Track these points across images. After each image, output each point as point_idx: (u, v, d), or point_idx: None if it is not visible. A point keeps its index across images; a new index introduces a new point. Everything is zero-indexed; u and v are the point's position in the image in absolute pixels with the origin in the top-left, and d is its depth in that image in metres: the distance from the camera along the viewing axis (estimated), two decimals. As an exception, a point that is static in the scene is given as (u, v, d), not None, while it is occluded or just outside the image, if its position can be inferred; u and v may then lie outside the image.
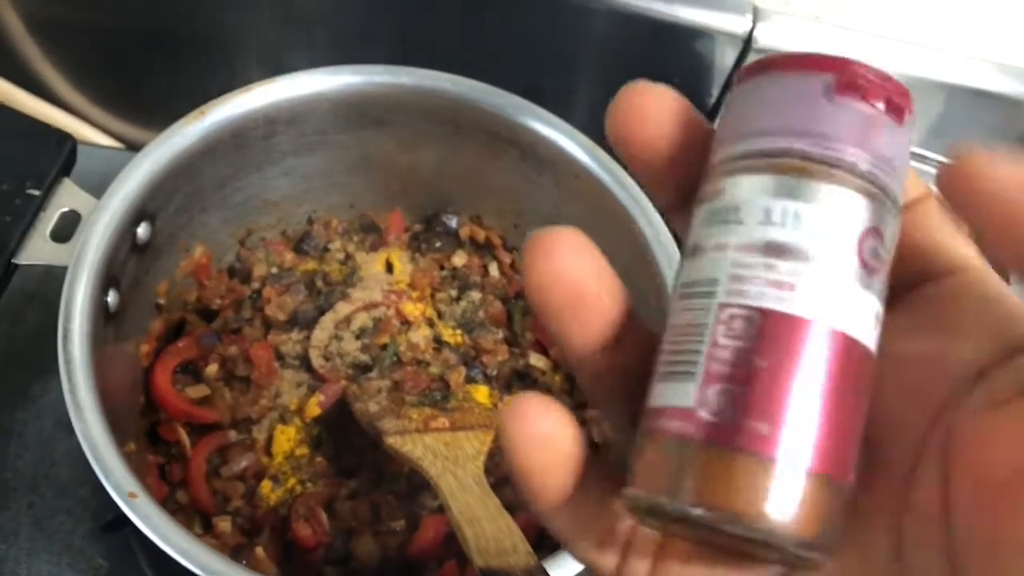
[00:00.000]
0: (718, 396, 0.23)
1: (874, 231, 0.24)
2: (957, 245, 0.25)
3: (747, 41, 0.77)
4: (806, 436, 0.23)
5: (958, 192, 0.22)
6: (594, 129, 0.65)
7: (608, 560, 0.26)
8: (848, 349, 0.23)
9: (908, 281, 0.25)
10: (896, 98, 0.24)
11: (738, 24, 0.76)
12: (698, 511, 0.23)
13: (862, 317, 0.23)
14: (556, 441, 0.24)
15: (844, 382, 0.23)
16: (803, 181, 0.24)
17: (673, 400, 0.24)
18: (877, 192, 0.24)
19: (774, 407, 0.23)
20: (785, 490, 0.22)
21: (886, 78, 0.24)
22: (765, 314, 0.23)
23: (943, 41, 0.78)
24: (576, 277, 0.24)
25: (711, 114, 0.81)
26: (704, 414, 0.23)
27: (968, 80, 0.78)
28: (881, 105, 0.24)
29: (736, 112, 0.26)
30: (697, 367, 0.23)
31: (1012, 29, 0.79)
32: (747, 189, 0.24)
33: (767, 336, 0.23)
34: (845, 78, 0.24)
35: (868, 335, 0.24)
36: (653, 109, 0.25)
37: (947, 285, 0.25)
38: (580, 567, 0.51)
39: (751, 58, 0.78)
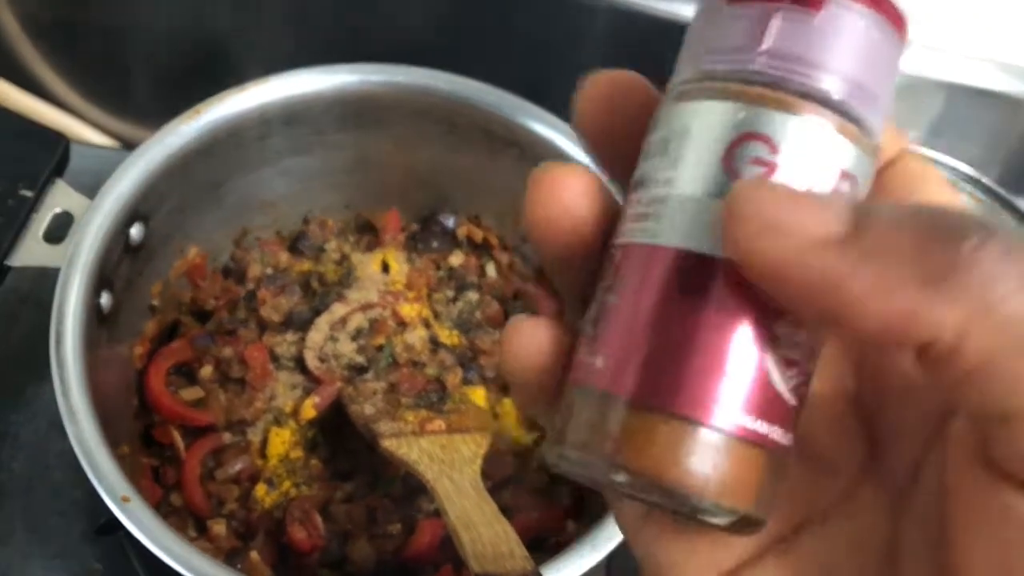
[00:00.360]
0: (607, 347, 0.22)
1: (845, 175, 0.21)
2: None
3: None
4: (702, 386, 0.21)
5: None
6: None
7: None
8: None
9: None
10: (886, 6, 0.22)
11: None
12: (600, 465, 0.22)
13: None
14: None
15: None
16: (759, 111, 0.21)
17: (582, 351, 0.23)
18: (849, 126, 0.22)
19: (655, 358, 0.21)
20: (688, 448, 0.21)
21: None
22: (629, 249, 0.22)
23: (943, 40, 0.78)
24: (579, 219, 0.23)
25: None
26: (599, 364, 0.22)
27: (968, 79, 0.78)
28: (865, 9, 0.21)
29: (688, 37, 0.24)
30: (590, 313, 0.23)
31: (1012, 28, 0.78)
32: (689, 116, 0.22)
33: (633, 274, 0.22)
34: None
35: None
36: (571, 189, 0.24)
37: None
38: (577, 573, 0.51)
39: None
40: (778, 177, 0.21)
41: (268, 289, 0.66)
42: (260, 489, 0.61)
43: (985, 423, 0.19)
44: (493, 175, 0.67)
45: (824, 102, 0.21)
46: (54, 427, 0.67)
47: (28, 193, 0.56)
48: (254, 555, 0.58)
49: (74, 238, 0.55)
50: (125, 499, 0.49)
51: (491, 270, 0.70)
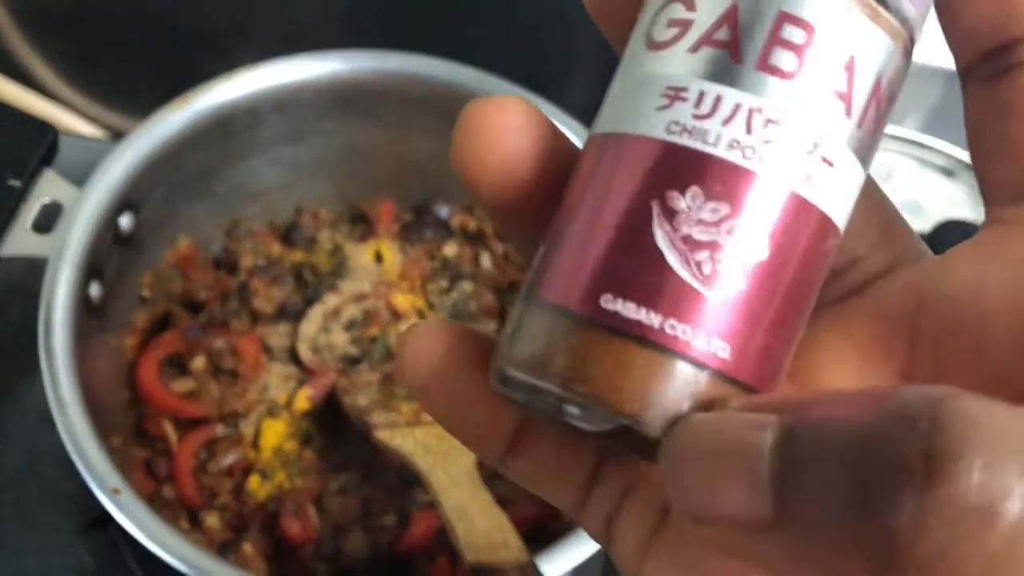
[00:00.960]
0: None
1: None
2: None
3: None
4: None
5: None
6: (590, 117, 0.64)
7: (592, 522, 0.23)
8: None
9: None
10: None
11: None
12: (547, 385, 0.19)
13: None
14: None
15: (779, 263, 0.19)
16: None
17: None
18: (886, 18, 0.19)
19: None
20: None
21: None
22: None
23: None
24: (513, 157, 0.21)
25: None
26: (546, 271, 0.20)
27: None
28: None
29: None
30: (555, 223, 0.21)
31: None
32: None
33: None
34: None
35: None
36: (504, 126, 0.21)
37: None
38: (572, 563, 0.50)
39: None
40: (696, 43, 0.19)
41: (260, 280, 0.66)
42: (253, 481, 0.60)
43: None
44: (487, 164, 0.66)
45: None
46: (44, 420, 0.66)
47: (16, 183, 0.55)
48: (247, 547, 0.58)
49: (63, 228, 0.54)
50: (116, 491, 0.48)
51: (485, 260, 0.70)
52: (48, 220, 0.56)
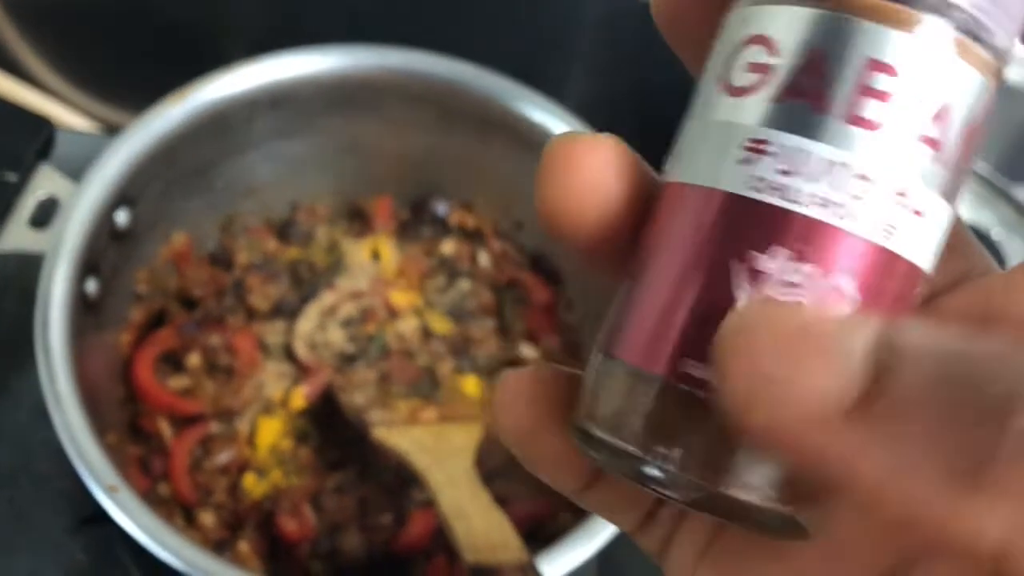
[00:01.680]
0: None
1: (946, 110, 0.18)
2: None
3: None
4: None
5: None
6: (586, 113, 0.64)
7: (651, 538, 0.23)
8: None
9: None
10: None
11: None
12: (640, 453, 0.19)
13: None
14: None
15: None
16: (850, 22, 0.18)
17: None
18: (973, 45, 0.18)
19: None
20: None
21: None
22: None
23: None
24: (602, 207, 0.19)
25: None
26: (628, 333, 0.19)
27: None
28: None
29: None
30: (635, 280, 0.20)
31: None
32: (768, 23, 0.19)
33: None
34: None
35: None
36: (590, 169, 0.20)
37: None
38: (572, 564, 0.50)
39: None
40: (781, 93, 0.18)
41: (256, 276, 0.65)
42: (249, 479, 0.60)
43: None
44: (486, 161, 0.66)
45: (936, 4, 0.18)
46: (38, 417, 0.66)
47: (13, 177, 0.54)
48: (243, 545, 0.57)
49: (60, 223, 0.54)
50: (113, 488, 0.48)
51: (483, 258, 0.69)
52: (44, 215, 0.56)
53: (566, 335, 0.68)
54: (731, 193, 0.18)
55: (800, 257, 0.18)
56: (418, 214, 0.70)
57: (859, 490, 0.15)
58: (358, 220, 0.70)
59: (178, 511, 0.59)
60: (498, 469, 0.61)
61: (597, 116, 0.64)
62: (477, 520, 0.50)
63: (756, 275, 0.18)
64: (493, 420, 0.22)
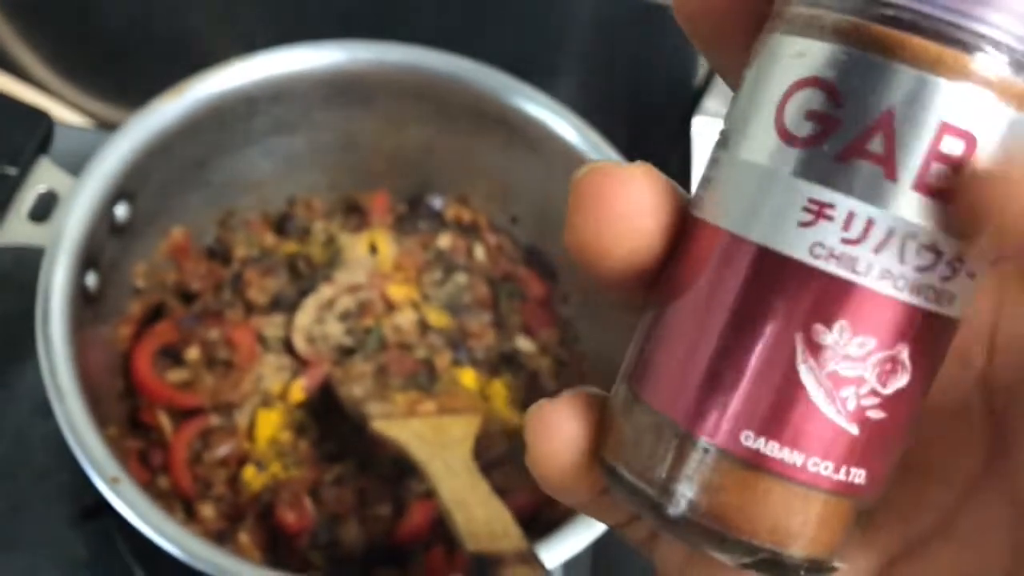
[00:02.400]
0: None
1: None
2: None
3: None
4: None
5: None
6: (580, 109, 0.65)
7: (638, 531, 0.23)
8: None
9: None
10: None
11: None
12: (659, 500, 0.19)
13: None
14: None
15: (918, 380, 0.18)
16: (926, 81, 0.16)
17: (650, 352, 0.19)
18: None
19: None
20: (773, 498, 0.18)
21: None
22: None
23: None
24: (638, 245, 0.19)
25: (697, 95, 0.81)
26: (658, 384, 0.19)
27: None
28: None
29: None
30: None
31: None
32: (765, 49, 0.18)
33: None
34: None
35: None
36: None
37: None
38: (571, 551, 0.51)
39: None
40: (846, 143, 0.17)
41: (254, 270, 0.66)
42: (248, 471, 0.60)
43: None
44: (482, 155, 0.67)
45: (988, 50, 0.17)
46: (37, 410, 0.66)
47: (12, 171, 0.55)
48: (243, 537, 0.58)
49: (60, 217, 0.54)
50: (115, 480, 0.48)
51: (479, 252, 0.70)
52: (43, 209, 0.56)
53: (562, 328, 0.68)
54: (791, 258, 0.17)
55: (862, 331, 0.17)
56: (414, 208, 0.70)
57: None
58: (355, 214, 0.70)
59: (178, 504, 0.60)
60: (496, 460, 0.62)
61: (593, 113, 0.65)
62: (477, 509, 0.51)
63: (818, 350, 0.17)
64: (527, 452, 0.21)
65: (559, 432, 0.20)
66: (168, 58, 0.75)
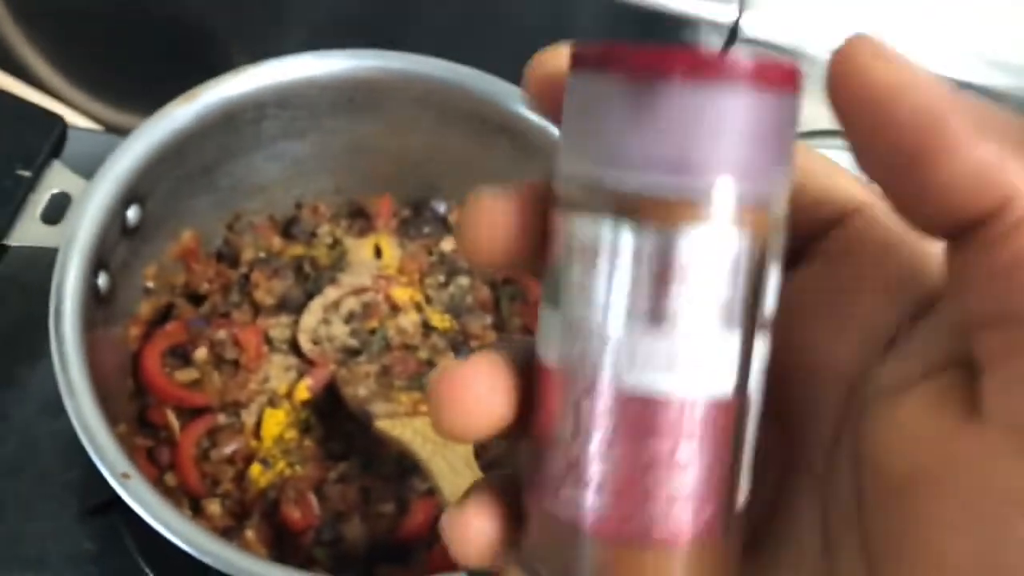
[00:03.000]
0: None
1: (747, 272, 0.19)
2: (845, 184, 0.22)
3: (733, 31, 0.77)
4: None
5: (837, 95, 0.19)
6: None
7: None
8: (712, 414, 0.20)
9: (804, 235, 0.22)
10: (773, 71, 0.19)
11: (724, 14, 0.77)
12: None
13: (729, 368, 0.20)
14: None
15: (717, 448, 0.20)
16: (652, 226, 0.19)
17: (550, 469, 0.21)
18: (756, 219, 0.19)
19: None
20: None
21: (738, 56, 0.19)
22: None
23: (927, 35, 0.79)
24: (508, 249, 0.21)
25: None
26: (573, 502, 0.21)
27: (953, 72, 0.79)
28: (757, 83, 0.19)
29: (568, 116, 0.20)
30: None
31: (997, 23, 0.80)
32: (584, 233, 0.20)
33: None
34: (692, 63, 0.18)
35: (733, 382, 0.20)
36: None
37: (843, 233, 0.22)
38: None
39: (737, 48, 0.78)
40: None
41: (261, 272, 0.67)
42: (255, 469, 0.61)
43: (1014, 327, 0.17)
44: (485, 161, 0.68)
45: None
46: (45, 409, 0.67)
47: (26, 173, 0.56)
48: (249, 534, 0.59)
49: (73, 218, 0.55)
50: (126, 476, 0.49)
51: (481, 256, 0.71)
52: (56, 211, 0.57)
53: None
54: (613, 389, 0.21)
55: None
56: (418, 212, 0.72)
57: (942, 143, 0.18)
58: (360, 218, 0.71)
59: (185, 501, 0.61)
60: (495, 459, 0.63)
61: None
62: (479, 507, 0.52)
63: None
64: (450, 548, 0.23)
65: (472, 529, 0.22)
66: (178, 67, 0.77)
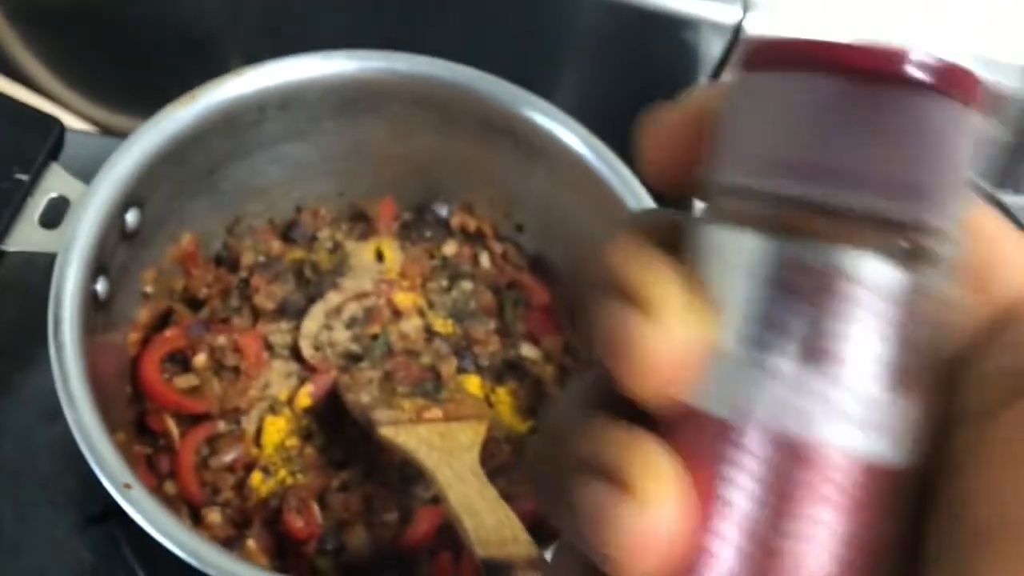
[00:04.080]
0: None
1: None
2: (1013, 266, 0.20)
3: (736, 31, 0.77)
4: None
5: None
6: (582, 118, 0.65)
7: None
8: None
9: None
10: (963, 79, 0.17)
11: (727, 14, 0.76)
12: None
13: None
14: None
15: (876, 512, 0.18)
16: (812, 247, 0.17)
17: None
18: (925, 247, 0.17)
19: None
20: None
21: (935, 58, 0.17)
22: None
23: (922, 36, 0.79)
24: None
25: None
26: None
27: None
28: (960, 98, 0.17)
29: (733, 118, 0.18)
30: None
31: (991, 23, 0.79)
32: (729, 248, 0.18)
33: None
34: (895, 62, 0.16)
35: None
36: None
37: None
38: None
39: (740, 49, 0.78)
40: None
41: (261, 277, 0.66)
42: (256, 477, 0.60)
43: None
44: (488, 164, 0.67)
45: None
46: (43, 416, 0.66)
47: (23, 177, 0.55)
48: (251, 543, 0.58)
49: (71, 223, 0.54)
50: (127, 486, 0.48)
51: (484, 260, 0.70)
52: (54, 215, 0.56)
53: (566, 336, 0.69)
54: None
55: None
56: (421, 216, 0.71)
57: None
58: (362, 222, 0.70)
59: (185, 509, 0.60)
60: (501, 467, 0.62)
61: (592, 120, 0.65)
62: (487, 516, 0.51)
63: None
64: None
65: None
66: (176, 69, 0.76)
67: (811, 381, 0.17)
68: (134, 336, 0.62)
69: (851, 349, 0.17)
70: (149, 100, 0.60)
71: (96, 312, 0.55)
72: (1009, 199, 0.75)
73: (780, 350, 0.17)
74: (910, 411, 0.17)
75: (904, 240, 0.17)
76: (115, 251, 0.57)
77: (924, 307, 0.17)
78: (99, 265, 0.55)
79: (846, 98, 0.16)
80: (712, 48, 0.79)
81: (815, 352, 0.17)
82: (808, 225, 0.17)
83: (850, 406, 0.17)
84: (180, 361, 0.63)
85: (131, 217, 0.58)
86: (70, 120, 0.82)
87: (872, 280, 0.17)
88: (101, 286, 0.56)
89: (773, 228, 0.17)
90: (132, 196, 0.57)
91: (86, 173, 0.57)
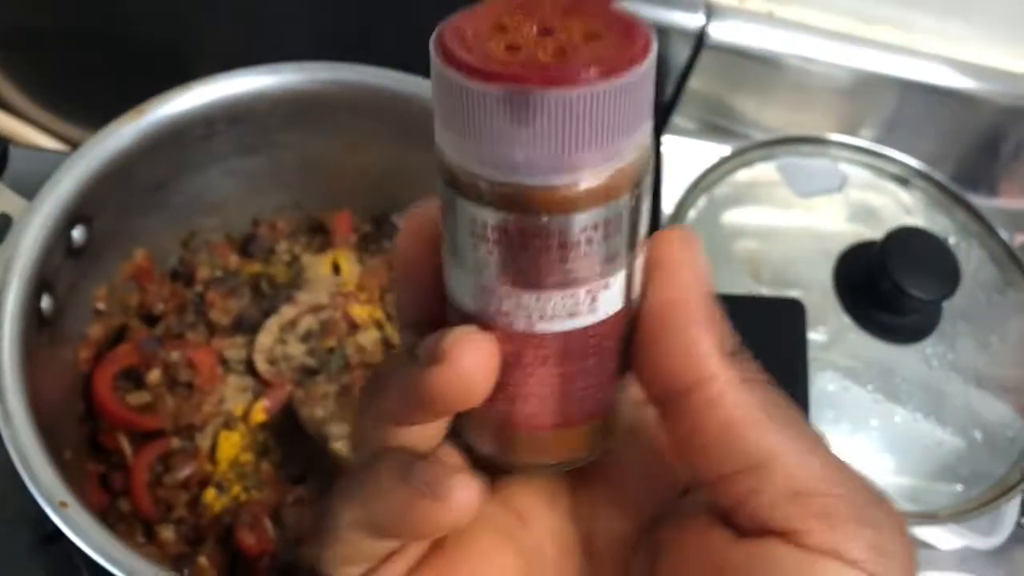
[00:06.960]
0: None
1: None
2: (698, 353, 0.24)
3: (700, 38, 0.76)
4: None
5: None
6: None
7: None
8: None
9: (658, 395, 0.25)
10: (623, 55, 0.21)
11: (691, 21, 0.76)
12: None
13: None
14: None
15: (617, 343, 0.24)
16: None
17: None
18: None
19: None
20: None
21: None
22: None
23: (897, 38, 0.78)
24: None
25: (666, 112, 0.80)
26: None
27: (922, 77, 0.78)
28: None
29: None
30: None
31: (965, 26, 0.78)
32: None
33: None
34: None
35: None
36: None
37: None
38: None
39: (705, 55, 0.77)
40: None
41: (217, 291, 0.66)
42: (209, 494, 0.60)
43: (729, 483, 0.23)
44: (445, 174, 0.66)
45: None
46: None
47: (-35, 195, 0.55)
48: (202, 560, 0.57)
49: (12, 241, 0.54)
50: (63, 505, 0.48)
51: (444, 271, 0.69)
52: (-3, 233, 0.56)
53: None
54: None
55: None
56: (379, 227, 0.70)
57: None
58: (319, 234, 0.70)
59: (139, 527, 0.59)
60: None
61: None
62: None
63: None
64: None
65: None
66: (138, 80, 0.75)
67: (552, 298, 0.23)
68: (85, 353, 0.61)
69: (575, 272, 0.22)
70: (114, 114, 0.60)
71: (40, 330, 0.55)
72: (982, 201, 0.74)
73: (518, 284, 0.23)
74: (623, 279, 0.23)
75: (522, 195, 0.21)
76: (61, 268, 0.57)
77: (626, 216, 0.22)
78: (43, 282, 0.55)
79: (488, 102, 0.20)
80: (678, 55, 0.78)
81: (552, 281, 0.22)
82: (502, 199, 0.22)
83: (582, 304, 0.23)
84: (133, 378, 0.63)
85: (77, 233, 0.57)
86: (32, 134, 0.81)
87: (572, 228, 0.22)
88: (46, 303, 0.55)
89: (489, 202, 0.22)
90: (77, 212, 0.57)
91: (32, 190, 0.56)
